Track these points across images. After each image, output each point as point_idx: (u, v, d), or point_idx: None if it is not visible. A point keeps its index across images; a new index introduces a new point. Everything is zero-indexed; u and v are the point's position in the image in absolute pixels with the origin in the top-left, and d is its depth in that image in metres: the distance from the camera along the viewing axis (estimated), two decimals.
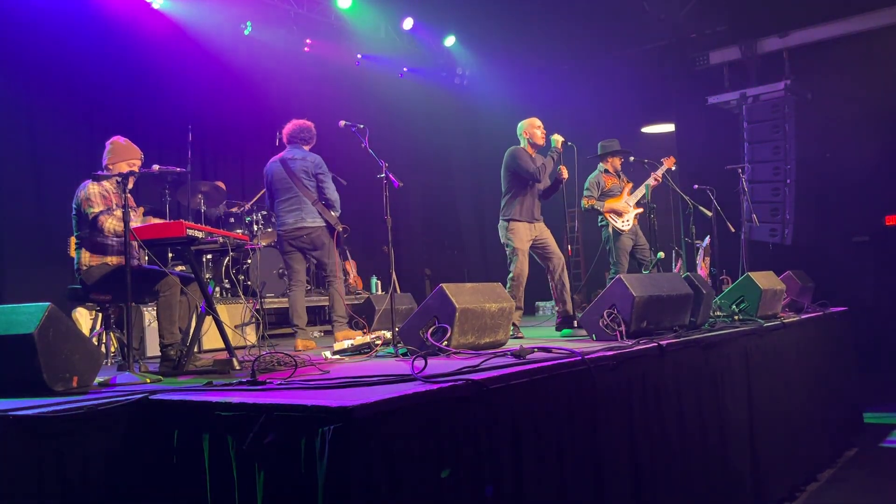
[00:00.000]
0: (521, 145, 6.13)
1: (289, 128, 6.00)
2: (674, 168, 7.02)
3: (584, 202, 6.81)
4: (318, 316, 8.47)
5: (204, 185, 7.61)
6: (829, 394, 6.32)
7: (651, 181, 6.77)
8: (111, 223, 4.24)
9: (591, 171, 7.06)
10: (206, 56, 8.24)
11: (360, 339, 4.72)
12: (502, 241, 6.07)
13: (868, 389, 7.51)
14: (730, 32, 9.85)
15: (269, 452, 2.41)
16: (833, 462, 6.15)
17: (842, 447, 6.46)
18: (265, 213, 7.58)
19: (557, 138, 6.07)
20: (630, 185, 6.98)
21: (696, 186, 7.57)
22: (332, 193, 5.86)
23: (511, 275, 5.91)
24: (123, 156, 4.45)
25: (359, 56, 10.24)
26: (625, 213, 6.82)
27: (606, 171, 7.03)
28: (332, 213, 5.84)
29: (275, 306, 7.54)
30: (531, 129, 6.12)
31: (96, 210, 4.25)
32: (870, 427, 7.20)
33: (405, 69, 10.96)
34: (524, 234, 5.99)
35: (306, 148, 5.97)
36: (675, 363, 4.15)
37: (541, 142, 6.10)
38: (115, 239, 4.30)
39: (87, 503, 2.55)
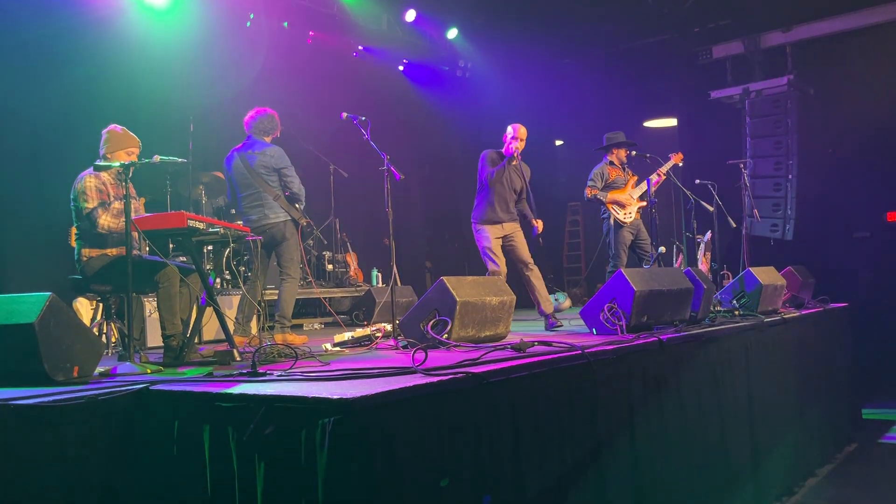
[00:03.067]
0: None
1: (249, 117, 5.71)
2: (681, 164, 7.01)
3: (588, 192, 6.81)
4: (319, 308, 8.47)
5: (205, 176, 7.60)
6: (828, 389, 6.32)
7: (654, 177, 6.75)
8: (105, 219, 4.21)
9: (594, 164, 7.05)
10: (208, 47, 8.21)
11: (360, 331, 4.72)
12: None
13: (867, 385, 7.52)
14: (733, 27, 9.82)
15: (269, 444, 2.41)
16: (832, 457, 6.16)
17: (841, 442, 6.47)
18: None
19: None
20: (635, 178, 6.97)
21: (698, 181, 7.55)
22: (297, 187, 5.62)
23: (488, 274, 5.98)
24: (121, 144, 4.41)
25: (359, 48, 10.20)
26: (628, 205, 6.82)
27: (611, 163, 7.00)
28: (297, 206, 5.63)
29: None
30: (508, 136, 6.12)
31: (90, 206, 4.23)
32: (869, 423, 7.21)
33: (407, 62, 10.93)
34: (489, 233, 6.14)
35: (267, 139, 5.68)
36: (676, 357, 4.15)
37: (509, 151, 6.07)
38: (113, 231, 4.29)
39: (87, 493, 2.55)
